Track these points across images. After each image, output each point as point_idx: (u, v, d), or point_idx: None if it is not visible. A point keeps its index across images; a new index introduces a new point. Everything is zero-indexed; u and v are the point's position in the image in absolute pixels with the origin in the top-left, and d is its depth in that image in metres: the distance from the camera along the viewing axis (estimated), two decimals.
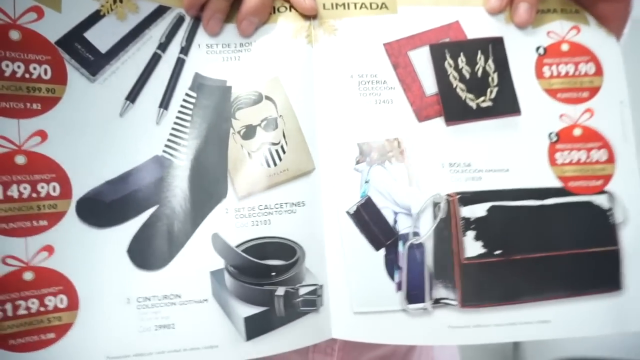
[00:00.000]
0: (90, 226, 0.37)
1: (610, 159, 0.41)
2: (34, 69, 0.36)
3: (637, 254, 0.40)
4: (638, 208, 0.41)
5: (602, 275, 0.40)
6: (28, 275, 0.35)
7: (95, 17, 0.38)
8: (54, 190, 0.36)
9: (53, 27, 0.37)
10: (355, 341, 0.38)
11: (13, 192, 0.35)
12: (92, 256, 0.37)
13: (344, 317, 0.39)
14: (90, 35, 0.38)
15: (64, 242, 0.36)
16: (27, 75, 0.35)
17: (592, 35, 0.42)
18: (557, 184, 0.41)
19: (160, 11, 0.40)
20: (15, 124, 0.35)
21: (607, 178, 0.41)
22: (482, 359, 1.42)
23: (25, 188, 0.35)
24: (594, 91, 0.42)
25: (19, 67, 0.35)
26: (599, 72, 0.42)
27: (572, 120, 0.42)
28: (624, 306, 0.39)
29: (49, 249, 0.36)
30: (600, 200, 0.41)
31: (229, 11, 0.40)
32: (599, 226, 0.40)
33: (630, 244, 0.40)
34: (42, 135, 0.36)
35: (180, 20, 0.41)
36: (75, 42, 0.37)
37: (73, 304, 0.36)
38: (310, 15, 0.41)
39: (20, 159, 0.35)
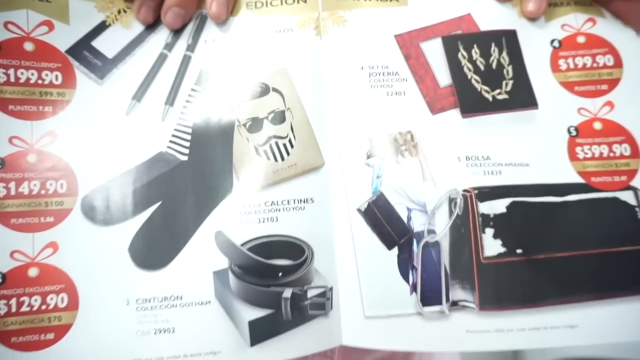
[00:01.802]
0: (94, 223, 0.36)
1: (635, 154, 0.38)
2: (46, 75, 0.37)
3: None
4: None
5: (634, 276, 0.36)
6: (33, 271, 0.35)
7: (101, 27, 0.40)
8: (62, 187, 0.36)
9: (63, 38, 0.38)
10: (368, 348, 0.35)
11: (24, 188, 0.35)
12: (94, 254, 0.35)
13: (355, 321, 0.36)
14: (98, 43, 0.39)
15: (68, 240, 0.35)
16: (39, 82, 0.37)
17: (609, 27, 0.40)
18: (578, 179, 0.38)
19: None
20: (29, 125, 0.36)
21: (632, 173, 0.38)
22: (482, 359, 1.36)
23: (35, 185, 0.36)
24: (613, 83, 0.40)
25: (32, 74, 0.37)
26: (618, 63, 0.40)
27: (592, 113, 0.39)
28: None
29: (54, 246, 0.35)
30: (627, 196, 0.37)
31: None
32: (627, 224, 0.37)
33: None
34: (52, 135, 0.37)
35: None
36: (83, 50, 0.39)
37: (73, 304, 0.35)
38: (217, 21, 0.40)
39: (32, 158, 0.36)
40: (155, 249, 0.36)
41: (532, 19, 0.40)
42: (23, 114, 0.36)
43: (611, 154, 0.38)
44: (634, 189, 0.38)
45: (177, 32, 0.40)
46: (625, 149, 0.39)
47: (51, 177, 0.36)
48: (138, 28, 0.40)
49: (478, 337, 0.35)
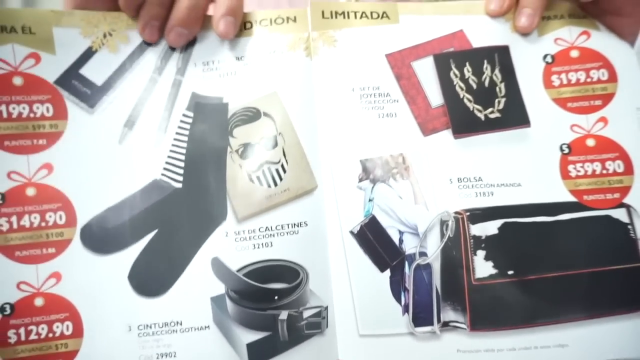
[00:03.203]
0: (94, 253, 0.36)
1: (628, 170, 0.38)
2: (37, 108, 0.37)
3: None
4: None
5: (625, 295, 0.36)
6: (39, 301, 0.35)
7: (88, 54, 0.38)
8: (60, 218, 0.36)
9: (50, 69, 0.38)
10: None
11: (25, 222, 0.36)
12: (96, 283, 0.36)
13: (350, 339, 0.36)
14: (86, 70, 0.38)
15: (70, 269, 0.36)
16: (31, 115, 0.37)
17: (603, 40, 0.39)
18: (570, 198, 0.37)
19: None
20: (25, 159, 0.36)
21: (625, 190, 0.38)
22: None
23: (35, 218, 0.36)
24: (607, 98, 0.38)
25: (24, 108, 0.37)
26: (612, 78, 0.39)
27: (585, 130, 0.38)
28: None
29: (57, 276, 0.36)
30: (619, 214, 0.37)
31: (165, 17, 0.38)
32: (619, 242, 0.37)
33: None
34: (49, 167, 0.37)
35: None
36: (72, 80, 0.38)
37: (78, 331, 0.36)
38: (224, 37, 0.38)
39: (30, 191, 0.36)
40: (154, 276, 0.36)
41: (525, 34, 0.39)
42: (18, 148, 0.36)
43: (604, 171, 0.38)
44: (627, 206, 0.37)
45: (166, 55, 0.39)
46: (618, 166, 0.38)
47: (50, 210, 0.36)
48: (125, 52, 0.39)
49: (469, 357, 0.36)
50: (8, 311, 0.35)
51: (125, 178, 0.37)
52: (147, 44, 0.39)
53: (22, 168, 0.36)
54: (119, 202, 0.37)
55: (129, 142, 0.38)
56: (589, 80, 0.39)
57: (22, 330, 0.35)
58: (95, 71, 0.38)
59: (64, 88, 0.38)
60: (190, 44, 0.39)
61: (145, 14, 0.38)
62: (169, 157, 0.38)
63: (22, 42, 0.37)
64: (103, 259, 0.36)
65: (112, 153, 0.37)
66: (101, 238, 0.36)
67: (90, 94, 0.38)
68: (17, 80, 0.37)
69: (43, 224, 0.36)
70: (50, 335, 0.35)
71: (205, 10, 0.38)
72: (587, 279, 0.36)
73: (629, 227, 0.37)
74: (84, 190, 0.37)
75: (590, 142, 0.38)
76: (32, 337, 0.35)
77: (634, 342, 0.36)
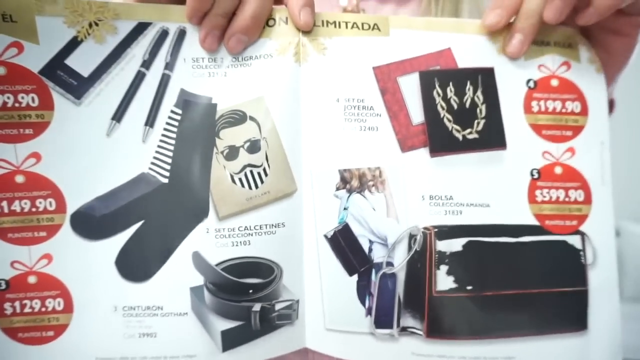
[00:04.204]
0: (83, 238, 0.38)
1: (587, 200, 0.39)
2: (22, 98, 0.37)
3: (602, 295, 0.39)
4: (607, 250, 0.39)
5: (570, 315, 0.39)
6: (32, 279, 0.38)
7: (73, 44, 0.37)
8: (50, 205, 0.38)
9: (34, 59, 0.37)
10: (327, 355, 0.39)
11: (16, 207, 0.38)
12: (85, 266, 0.38)
13: (317, 331, 0.39)
14: (71, 61, 0.37)
15: (61, 252, 0.38)
16: (16, 105, 0.37)
17: (581, 73, 0.40)
18: (533, 221, 0.39)
19: (140, 28, 0.38)
20: (12, 148, 0.37)
21: (582, 218, 0.39)
22: None
23: (25, 203, 0.38)
24: (577, 130, 0.40)
25: (8, 98, 0.37)
26: (584, 111, 0.40)
27: (555, 158, 0.40)
28: (588, 346, 0.39)
29: (49, 257, 0.38)
30: (574, 240, 0.39)
31: (226, 27, 0.38)
32: (570, 266, 0.39)
33: (597, 285, 0.39)
34: (37, 156, 0.38)
35: (163, 35, 0.39)
36: (57, 70, 0.37)
37: (68, 307, 0.38)
38: (303, 31, 0.38)
39: (19, 178, 0.37)
40: (139, 263, 0.39)
41: (513, 58, 0.39)
42: (5, 137, 0.37)
43: (567, 199, 0.39)
44: (582, 234, 0.39)
45: (154, 48, 0.38)
46: (579, 195, 0.39)
47: (40, 196, 0.37)
48: (112, 43, 0.38)
49: None
50: (3, 286, 0.37)
51: (113, 170, 0.38)
52: (135, 35, 0.38)
53: (10, 156, 0.37)
54: (108, 192, 0.38)
55: (117, 135, 0.38)
56: (563, 110, 0.39)
57: (17, 304, 0.38)
58: (81, 62, 0.37)
59: (49, 79, 0.37)
60: (179, 38, 0.39)
61: (208, 24, 0.37)
62: (156, 152, 0.39)
63: (3, 31, 0.36)
64: (92, 244, 0.38)
65: (101, 145, 0.38)
66: (90, 225, 0.38)
67: (76, 85, 0.37)
68: (0, 70, 0.36)
69: (33, 209, 0.37)
70: (43, 309, 0.38)
71: (266, 19, 0.38)
72: (539, 298, 0.39)
73: (581, 253, 0.39)
74: (73, 180, 0.38)
75: (558, 170, 0.39)
76: (27, 310, 0.38)
77: (575, 358, 0.38)
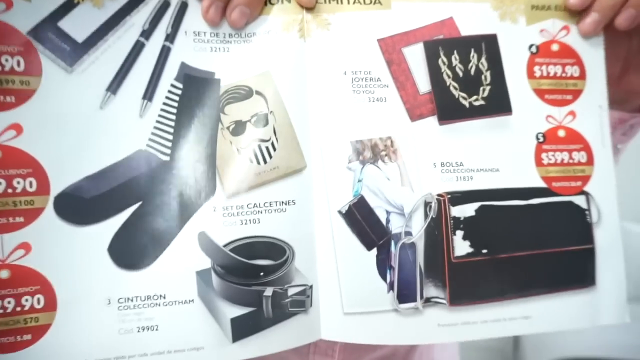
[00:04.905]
0: (69, 223, 0.32)
1: (590, 161, 0.38)
2: (6, 60, 0.31)
3: (608, 252, 0.38)
4: (611, 209, 0.38)
5: (580, 272, 0.37)
6: (4, 274, 0.31)
7: (68, 5, 0.33)
8: (31, 185, 0.31)
9: (24, 17, 0.31)
10: (346, 342, 0.36)
11: None
12: (71, 255, 0.31)
13: (334, 317, 0.34)
14: (65, 24, 0.32)
15: (41, 240, 0.31)
16: None
17: (579, 38, 0.39)
18: (541, 184, 0.37)
19: None
20: None
21: (586, 179, 0.38)
22: (482, 359, 1.37)
23: (0, 183, 0.31)
24: (576, 94, 0.39)
25: None
26: (582, 75, 0.39)
27: (557, 121, 0.38)
28: (597, 301, 0.37)
29: (26, 247, 0.31)
30: (579, 200, 0.38)
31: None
32: (577, 225, 0.37)
33: (603, 243, 0.38)
34: (17, 128, 0.31)
35: (165, 5, 0.34)
36: (48, 32, 0.32)
37: (51, 305, 0.31)
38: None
39: None
40: (136, 249, 0.32)
41: (587, 35, 0.38)
42: None
43: (571, 161, 0.38)
44: (586, 194, 0.38)
45: (155, 18, 0.34)
46: (582, 156, 0.38)
47: (18, 175, 0.31)
48: (111, 8, 0.33)
49: (448, 330, 0.35)
50: None
51: (106, 146, 0.33)
52: (136, 2, 0.34)
53: None
54: (99, 171, 0.32)
55: (111, 108, 0.33)
56: (563, 75, 0.39)
57: None
58: (76, 26, 0.33)
59: (39, 41, 0.32)
60: (181, 10, 0.35)
61: None
62: (155, 127, 0.33)
63: None
64: (80, 230, 0.32)
65: (92, 118, 0.32)
66: (78, 208, 0.32)
67: (69, 51, 0.32)
68: None
69: (10, 190, 0.31)
70: (18, 309, 0.31)
71: None
72: (550, 258, 0.37)
73: (587, 212, 0.38)
74: (59, 156, 0.32)
75: (561, 133, 0.38)
76: None
77: (586, 313, 0.37)
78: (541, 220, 0.37)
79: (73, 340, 0.32)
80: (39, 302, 0.32)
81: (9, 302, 0.31)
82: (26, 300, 0.31)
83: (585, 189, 0.38)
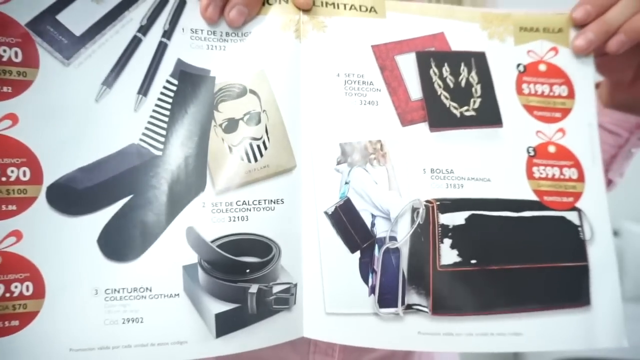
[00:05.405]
0: (61, 213, 0.32)
1: (580, 178, 0.38)
2: (4, 51, 0.31)
3: (602, 270, 0.37)
4: (603, 227, 0.38)
5: (574, 290, 0.37)
6: None
7: None
8: (24, 175, 0.32)
9: (23, 9, 0.32)
10: (327, 342, 0.36)
11: None
12: (62, 244, 0.32)
13: (317, 317, 0.34)
14: (64, 17, 0.33)
15: (32, 229, 0.32)
16: None
17: (568, 58, 0.39)
18: (533, 197, 0.37)
19: None
20: None
21: (577, 196, 0.38)
22: (482, 359, 1.41)
23: None
24: (565, 112, 0.39)
25: None
26: (571, 95, 0.39)
27: (547, 137, 0.39)
28: (593, 321, 0.36)
29: (17, 235, 0.32)
30: (572, 216, 0.37)
31: None
32: (570, 241, 0.37)
33: (597, 261, 0.37)
34: (13, 118, 0.32)
35: (163, 2, 0.34)
36: (47, 25, 0.32)
37: (39, 292, 0.31)
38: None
39: None
40: (125, 241, 0.33)
41: (579, 54, 0.39)
42: None
43: (562, 176, 0.38)
44: (579, 210, 0.37)
45: (153, 14, 0.35)
46: (573, 173, 0.38)
47: (12, 164, 0.32)
48: (109, 3, 0.34)
49: (429, 339, 0.35)
50: None
51: (100, 139, 0.33)
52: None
53: None
54: (92, 163, 0.33)
55: (107, 102, 0.33)
56: (551, 94, 0.39)
57: None
58: (74, 19, 0.33)
59: (37, 33, 0.32)
60: (179, 7, 0.35)
61: None
62: (149, 122, 0.34)
63: None
64: (71, 220, 0.32)
65: (88, 111, 0.33)
66: (70, 199, 0.32)
67: (66, 44, 0.33)
68: None
69: (3, 178, 0.31)
70: (7, 295, 0.31)
71: None
72: (543, 273, 0.36)
73: (579, 229, 0.37)
74: (53, 147, 0.32)
75: (552, 149, 0.38)
76: None
77: (581, 334, 0.36)
78: (533, 234, 0.37)
79: (59, 328, 0.32)
80: (27, 289, 0.32)
81: None
82: (15, 286, 0.32)
83: (577, 205, 0.38)
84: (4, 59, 0.31)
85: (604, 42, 0.37)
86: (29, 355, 0.31)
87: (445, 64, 0.37)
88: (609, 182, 0.46)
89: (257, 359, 0.36)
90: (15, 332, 0.32)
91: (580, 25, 0.38)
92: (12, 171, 0.32)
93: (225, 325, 0.33)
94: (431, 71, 0.37)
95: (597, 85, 0.44)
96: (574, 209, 0.37)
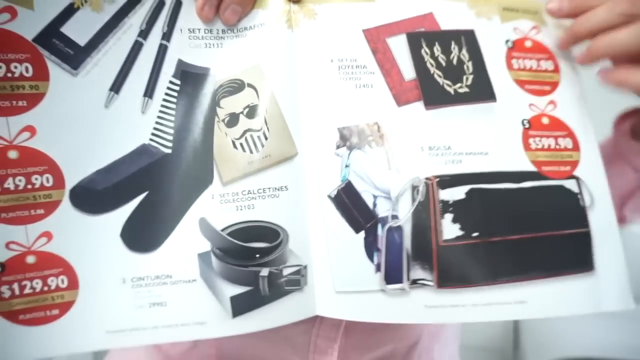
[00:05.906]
0: (85, 213, 0.34)
1: (575, 147, 0.38)
2: (15, 67, 0.33)
3: (604, 236, 0.37)
4: (602, 193, 0.38)
5: (576, 256, 0.37)
6: (30, 259, 0.34)
7: (69, 11, 0.34)
8: (48, 181, 0.34)
9: (28, 25, 0.33)
10: (339, 319, 0.36)
11: (9, 184, 0.33)
12: (88, 240, 0.35)
13: (327, 295, 0.36)
14: (67, 29, 0.34)
15: (61, 229, 0.34)
16: (9, 75, 0.33)
17: (549, 36, 0.40)
18: (531, 168, 0.37)
19: None
20: (4, 121, 0.33)
21: (574, 164, 0.38)
22: (482, 359, 1.35)
23: (20, 180, 0.33)
24: (554, 85, 0.39)
25: (0, 67, 0.33)
26: (556, 69, 0.40)
27: (540, 109, 0.39)
28: (597, 286, 0.36)
29: (48, 235, 0.34)
30: (570, 184, 0.37)
31: None
32: (570, 209, 0.37)
33: (598, 227, 0.37)
34: (31, 130, 0.34)
35: (160, 5, 0.36)
36: (52, 38, 0.33)
37: (73, 284, 0.34)
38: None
39: (12, 154, 0.33)
40: (145, 234, 0.35)
41: (554, 15, 0.39)
42: None
43: (557, 146, 0.38)
44: (577, 178, 0.38)
45: (151, 18, 0.36)
46: (568, 143, 0.38)
47: (36, 172, 0.34)
48: (109, 11, 0.35)
49: (435, 312, 0.36)
50: None
51: (113, 142, 0.35)
52: (132, 4, 0.36)
53: (2, 130, 0.33)
54: (108, 165, 0.35)
55: (116, 107, 0.35)
56: (539, 68, 0.39)
57: (15, 286, 0.33)
58: (77, 30, 0.34)
59: (44, 47, 0.33)
60: (175, 8, 0.36)
61: None
62: (157, 123, 0.36)
63: None
64: (94, 219, 0.35)
65: (99, 117, 0.35)
66: (91, 199, 0.35)
67: (73, 55, 0.34)
68: None
69: (29, 186, 0.33)
70: (46, 288, 0.34)
71: None
72: (545, 241, 0.37)
73: (579, 196, 0.37)
74: (71, 153, 0.34)
75: (545, 120, 0.38)
76: (27, 291, 0.33)
77: (587, 299, 0.36)
78: (534, 204, 0.37)
79: (95, 313, 0.35)
80: (63, 282, 0.35)
81: (37, 283, 0.35)
82: (52, 280, 0.35)
83: (575, 173, 0.38)
84: (16, 75, 0.33)
85: (575, 16, 0.37)
86: (71, 338, 0.34)
87: (436, 43, 0.37)
88: (623, 218, 0.45)
89: (258, 358, 0.38)
90: (56, 319, 0.35)
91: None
92: (36, 179, 0.34)
93: (241, 306, 0.36)
94: (422, 51, 0.37)
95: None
96: (572, 177, 0.37)
